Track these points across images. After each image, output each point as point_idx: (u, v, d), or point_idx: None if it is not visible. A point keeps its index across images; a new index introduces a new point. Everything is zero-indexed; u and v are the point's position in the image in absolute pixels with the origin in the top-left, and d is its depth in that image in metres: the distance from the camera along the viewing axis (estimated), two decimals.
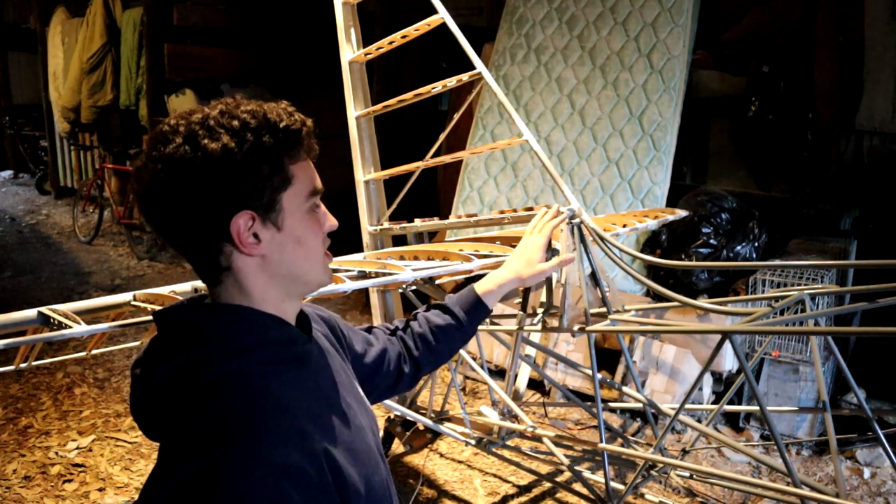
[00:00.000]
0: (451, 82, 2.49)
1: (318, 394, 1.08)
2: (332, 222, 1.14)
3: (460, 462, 3.54)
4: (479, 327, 2.59)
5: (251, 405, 0.96)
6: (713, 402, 3.94)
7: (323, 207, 1.12)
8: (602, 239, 2.04)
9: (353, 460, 1.03)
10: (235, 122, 1.01)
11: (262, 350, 1.03)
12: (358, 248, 2.69)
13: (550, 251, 1.91)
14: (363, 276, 2.00)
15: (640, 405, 2.41)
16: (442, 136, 2.60)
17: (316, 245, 1.10)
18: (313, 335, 1.17)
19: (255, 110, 1.03)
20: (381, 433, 3.30)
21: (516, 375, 2.76)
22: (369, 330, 1.51)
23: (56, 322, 1.56)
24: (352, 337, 1.40)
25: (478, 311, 1.60)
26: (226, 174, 0.99)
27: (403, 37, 2.61)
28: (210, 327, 1.03)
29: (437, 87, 2.52)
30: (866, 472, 3.47)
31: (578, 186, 4.68)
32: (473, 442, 2.74)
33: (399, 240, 2.75)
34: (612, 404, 2.84)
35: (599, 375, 2.17)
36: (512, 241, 2.24)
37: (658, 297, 2.06)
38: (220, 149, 0.99)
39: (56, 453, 3.55)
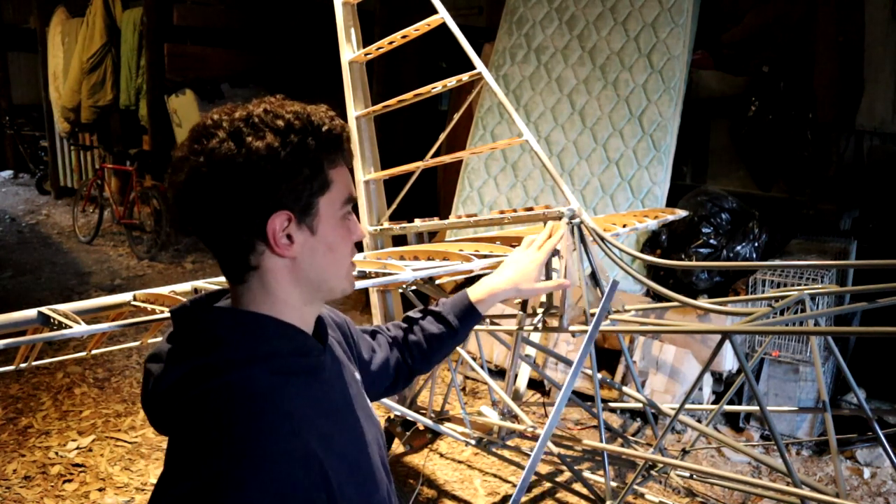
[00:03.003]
0: (451, 82, 2.48)
1: (328, 407, 1.07)
2: (361, 232, 1.15)
3: (460, 462, 3.54)
4: (480, 327, 2.58)
5: (256, 418, 0.96)
6: (713, 402, 3.94)
7: (354, 217, 1.13)
8: (602, 239, 2.04)
9: (354, 480, 1.03)
10: (280, 122, 1.00)
11: (274, 360, 1.02)
12: (358, 247, 2.69)
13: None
14: (363, 276, 2.00)
15: (640, 405, 2.41)
16: (442, 136, 2.60)
17: (345, 253, 1.11)
18: (329, 343, 1.16)
19: (300, 112, 1.03)
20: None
21: (516, 375, 2.76)
22: (374, 335, 1.51)
23: (56, 322, 1.56)
24: (360, 342, 1.41)
25: (470, 318, 1.61)
26: (268, 173, 0.99)
27: (403, 37, 2.61)
28: (225, 333, 1.02)
29: (437, 87, 2.51)
30: (866, 472, 3.47)
31: (578, 186, 4.68)
32: (473, 442, 2.74)
33: (399, 240, 2.75)
34: (612, 404, 2.84)
35: (599, 375, 2.17)
36: (512, 241, 2.23)
37: (658, 297, 2.06)
38: (264, 147, 0.98)
39: (56, 453, 3.55)
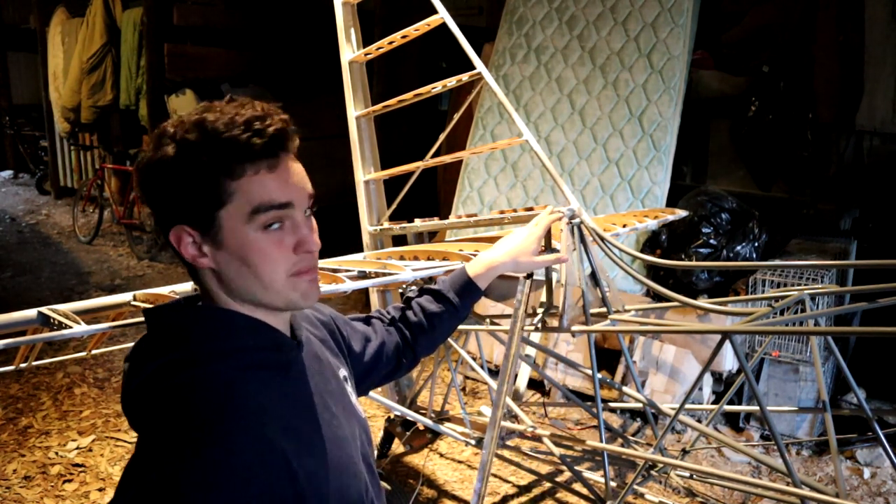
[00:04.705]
0: (451, 82, 2.49)
1: (299, 403, 1.07)
2: (305, 240, 1.04)
3: (460, 462, 3.54)
4: (480, 327, 2.58)
5: (220, 411, 0.96)
6: (713, 402, 3.94)
7: (295, 223, 1.03)
8: (602, 239, 2.04)
9: (327, 472, 1.03)
10: (180, 134, 0.99)
11: (241, 354, 1.02)
12: (358, 248, 2.69)
13: (550, 250, 1.91)
14: (363, 276, 2.00)
15: (640, 405, 2.41)
16: (442, 136, 2.60)
17: (268, 267, 1.02)
18: (304, 341, 1.15)
19: (204, 121, 0.98)
20: (381, 433, 3.30)
21: (516, 375, 2.76)
22: (368, 321, 1.51)
23: (56, 322, 1.56)
24: (350, 336, 1.40)
25: (471, 293, 1.61)
26: (163, 185, 1.01)
27: (403, 37, 2.61)
28: (192, 329, 1.03)
29: (437, 87, 2.51)
30: (866, 472, 3.47)
31: (578, 186, 4.68)
32: (473, 442, 2.74)
33: (399, 240, 2.75)
34: (612, 404, 2.84)
35: (599, 375, 2.17)
36: None
37: (658, 297, 2.06)
38: (158, 159, 1.00)
39: (56, 453, 3.55)
